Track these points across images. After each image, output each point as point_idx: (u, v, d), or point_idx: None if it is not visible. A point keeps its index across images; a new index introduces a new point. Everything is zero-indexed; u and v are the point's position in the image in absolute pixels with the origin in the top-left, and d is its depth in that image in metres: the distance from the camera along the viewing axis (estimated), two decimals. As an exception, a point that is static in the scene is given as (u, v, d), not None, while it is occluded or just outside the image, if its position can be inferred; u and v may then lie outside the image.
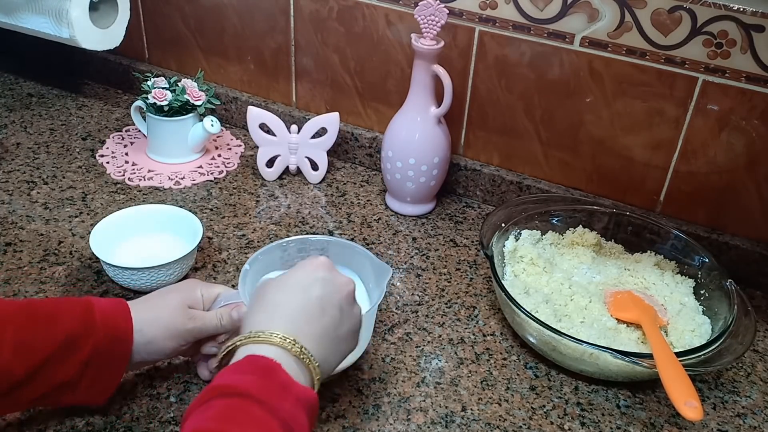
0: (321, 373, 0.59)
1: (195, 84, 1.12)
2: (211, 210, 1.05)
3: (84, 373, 0.65)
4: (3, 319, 0.62)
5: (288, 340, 0.57)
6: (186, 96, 1.10)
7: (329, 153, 1.13)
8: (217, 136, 1.23)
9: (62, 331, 0.64)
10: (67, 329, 0.64)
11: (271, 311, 0.61)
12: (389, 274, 0.74)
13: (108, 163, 1.14)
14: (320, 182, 1.14)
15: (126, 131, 1.23)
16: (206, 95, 1.13)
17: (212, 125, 1.11)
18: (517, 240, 0.94)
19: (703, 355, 0.76)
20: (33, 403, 0.66)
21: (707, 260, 0.89)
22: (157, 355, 0.71)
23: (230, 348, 0.59)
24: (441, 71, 0.96)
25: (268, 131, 1.12)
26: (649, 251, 0.95)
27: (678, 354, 0.75)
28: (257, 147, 1.12)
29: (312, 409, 0.55)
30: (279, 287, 0.62)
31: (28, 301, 0.66)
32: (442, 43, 0.96)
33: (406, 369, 0.81)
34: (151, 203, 1.03)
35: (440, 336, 0.86)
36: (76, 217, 1.01)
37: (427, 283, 0.94)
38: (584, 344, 0.76)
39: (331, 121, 1.11)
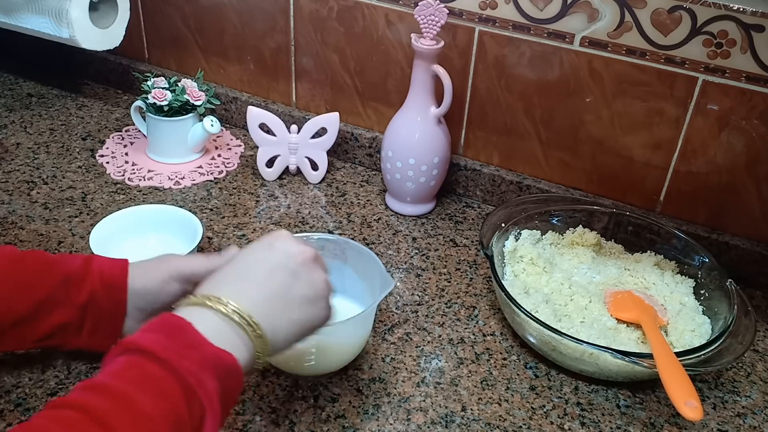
0: (265, 335, 0.58)
1: (195, 84, 1.12)
2: (211, 210, 1.05)
3: (84, 317, 0.71)
4: (12, 260, 0.70)
5: (222, 302, 0.57)
6: (186, 96, 1.10)
7: (329, 153, 1.13)
8: (217, 136, 1.23)
9: (60, 273, 0.70)
10: (65, 272, 0.70)
11: (223, 278, 0.62)
12: (391, 287, 0.74)
13: (108, 163, 1.14)
14: (320, 182, 1.14)
15: (126, 131, 1.23)
16: (206, 95, 1.13)
17: (212, 125, 1.11)
18: (517, 240, 0.94)
19: (703, 355, 0.75)
20: (41, 343, 0.71)
21: (707, 260, 0.89)
22: (155, 301, 0.72)
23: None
24: (441, 71, 0.96)
25: (268, 131, 1.12)
26: (649, 251, 0.95)
27: (678, 354, 0.74)
28: (257, 147, 1.12)
29: (225, 371, 0.55)
30: (236, 259, 0.63)
31: (38, 251, 0.73)
32: (442, 43, 0.96)
33: (406, 369, 0.81)
34: (151, 203, 1.03)
35: (440, 336, 0.86)
36: (76, 217, 1.01)
37: (427, 283, 0.94)
38: (584, 344, 0.76)
39: (331, 121, 1.11)
